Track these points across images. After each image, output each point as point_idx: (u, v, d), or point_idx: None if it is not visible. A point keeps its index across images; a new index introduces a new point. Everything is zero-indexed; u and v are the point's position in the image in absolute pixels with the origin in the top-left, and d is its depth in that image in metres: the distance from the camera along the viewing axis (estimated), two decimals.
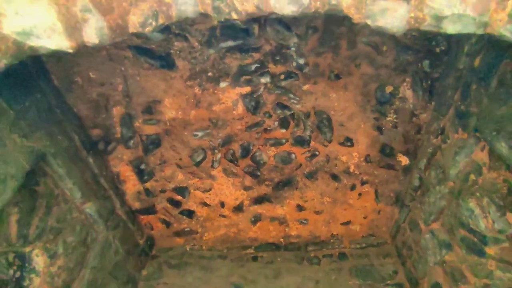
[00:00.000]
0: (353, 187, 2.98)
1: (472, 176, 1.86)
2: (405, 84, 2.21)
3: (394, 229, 3.04)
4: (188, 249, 3.36)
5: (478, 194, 1.84)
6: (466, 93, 1.80)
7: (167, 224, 3.36)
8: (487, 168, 1.74)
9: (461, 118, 1.88)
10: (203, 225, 3.38)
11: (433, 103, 2.19)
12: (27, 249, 1.98)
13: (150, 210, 3.19)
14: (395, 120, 2.39)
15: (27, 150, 1.78)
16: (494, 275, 1.85)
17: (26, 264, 2.02)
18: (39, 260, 2.03)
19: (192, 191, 3.10)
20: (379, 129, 2.48)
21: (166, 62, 2.18)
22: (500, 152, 1.54)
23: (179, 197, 3.13)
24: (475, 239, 1.92)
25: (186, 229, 3.42)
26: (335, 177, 2.95)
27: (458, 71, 1.84)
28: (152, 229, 3.37)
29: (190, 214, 3.29)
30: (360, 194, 3.01)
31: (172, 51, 2.13)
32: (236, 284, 3.04)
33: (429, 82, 2.11)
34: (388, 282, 2.88)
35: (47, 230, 2.04)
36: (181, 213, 3.27)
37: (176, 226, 3.39)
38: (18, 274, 2.02)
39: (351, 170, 2.85)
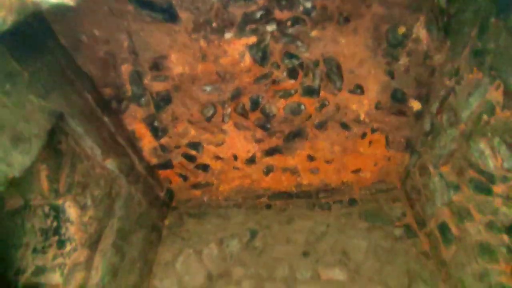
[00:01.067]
0: (363, 135, 2.99)
1: (485, 117, 1.83)
2: (419, 23, 2.09)
3: (404, 175, 3.10)
4: (205, 200, 3.57)
5: (489, 134, 1.83)
6: (483, 28, 1.70)
7: (184, 178, 3.54)
8: (501, 107, 1.71)
9: (476, 56, 1.80)
10: (218, 177, 3.54)
11: (448, 42, 2.09)
12: (60, 202, 2.17)
13: (167, 165, 3.35)
14: (407, 63, 2.31)
15: (45, 110, 1.87)
16: (499, 211, 1.91)
17: (61, 215, 2.23)
18: (71, 211, 2.23)
19: (205, 145, 3.21)
20: (391, 74, 2.41)
21: (169, 15, 2.13)
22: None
23: (193, 152, 3.25)
24: (483, 179, 1.96)
25: (202, 182, 3.60)
26: (345, 126, 2.96)
27: (476, 4, 1.72)
28: (170, 183, 3.57)
29: (205, 167, 3.43)
30: (370, 142, 3.03)
31: (173, 1, 2.06)
32: (251, 229, 3.26)
33: (445, 19, 1.99)
34: (397, 223, 3.03)
35: (75, 184, 2.20)
36: (197, 167, 3.42)
37: (192, 179, 3.57)
38: (55, 223, 2.25)
39: (362, 118, 2.84)
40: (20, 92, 1.69)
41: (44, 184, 2.00)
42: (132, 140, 2.92)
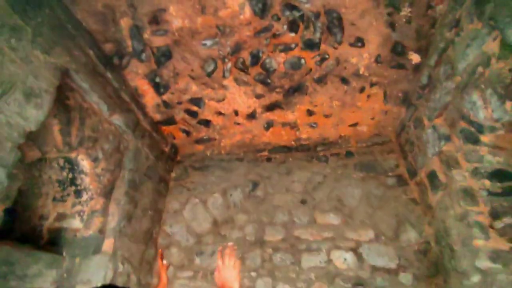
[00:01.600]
0: (362, 90, 3.04)
1: (480, 68, 1.88)
2: None
3: (399, 128, 3.21)
4: (208, 154, 3.73)
5: (482, 86, 1.90)
6: None
7: (187, 133, 3.66)
8: (496, 58, 1.76)
9: (478, 6, 1.80)
10: (220, 132, 3.66)
11: None
12: (73, 155, 2.31)
13: (170, 121, 3.44)
14: (409, 14, 2.28)
15: (51, 66, 1.91)
16: (484, 159, 2.05)
17: (75, 167, 2.39)
18: (84, 163, 2.38)
19: (206, 101, 3.27)
20: (392, 25, 2.39)
21: None
22: (510, 39, 1.54)
23: (195, 108, 3.33)
24: (473, 129, 2.07)
25: (204, 137, 3.73)
26: (344, 80, 2.99)
27: None
28: (174, 138, 3.70)
29: (207, 123, 3.53)
30: (368, 96, 3.09)
31: None
32: (253, 180, 3.47)
33: None
34: (390, 174, 3.21)
35: (86, 138, 2.32)
36: (199, 122, 3.52)
37: (195, 135, 3.69)
38: (70, 175, 2.42)
39: (361, 72, 2.87)
40: (25, 47, 1.73)
41: (58, 138, 2.12)
42: (136, 97, 2.98)
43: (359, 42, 2.61)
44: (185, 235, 3.20)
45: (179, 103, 3.25)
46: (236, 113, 3.44)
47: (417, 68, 2.65)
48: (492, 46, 1.77)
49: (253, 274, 2.86)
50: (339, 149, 3.51)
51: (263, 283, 2.80)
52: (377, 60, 2.73)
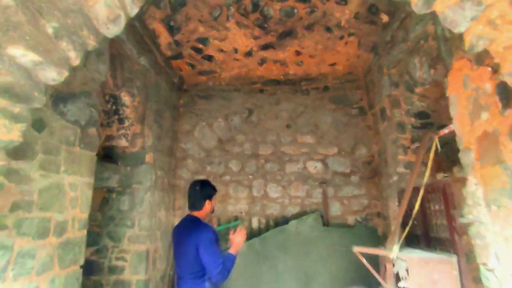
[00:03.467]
0: (341, 37, 3.72)
1: (422, 41, 2.66)
2: None
3: (367, 70, 4.03)
4: (210, 85, 4.44)
5: (421, 53, 2.71)
6: None
7: (192, 66, 4.27)
8: (431, 38, 2.54)
9: None
10: (221, 66, 4.30)
11: None
12: (118, 92, 3.00)
13: (178, 56, 4.00)
14: None
15: None
16: (414, 104, 3.02)
17: (118, 101, 3.10)
18: (126, 98, 3.09)
19: (211, 41, 3.81)
20: None
21: None
22: (437, 30, 2.31)
23: (200, 45, 3.88)
24: (411, 82, 2.97)
25: (207, 69, 4.36)
26: (328, 29, 3.62)
27: None
28: (181, 70, 4.30)
29: (210, 58, 4.13)
30: (346, 43, 3.79)
31: None
32: (249, 108, 4.32)
33: None
34: (354, 106, 4.18)
35: (126, 79, 2.97)
36: (203, 57, 4.10)
37: (199, 67, 4.31)
38: (114, 107, 3.14)
39: (342, 24, 3.50)
40: None
41: (110, 81, 2.77)
42: (153, 38, 3.48)
43: (343, 1, 3.19)
44: (197, 150, 4.19)
45: (188, 41, 3.78)
46: (235, 50, 4.03)
47: (385, 26, 3.33)
48: (430, 28, 2.52)
49: (251, 177, 4.02)
50: (319, 84, 4.34)
51: (258, 183, 3.99)
52: (356, 16, 3.35)
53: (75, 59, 1.49)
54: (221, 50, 4.02)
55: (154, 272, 3.31)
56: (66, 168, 1.98)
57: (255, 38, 3.84)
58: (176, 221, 3.96)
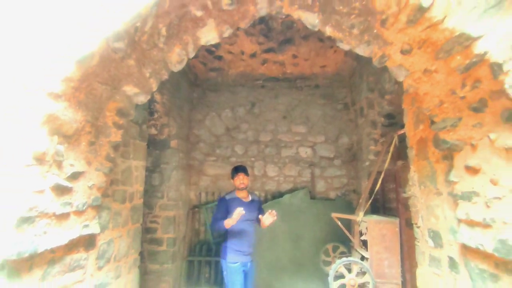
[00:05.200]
0: (331, 47, 4.50)
1: None
2: None
3: (351, 73, 4.86)
4: (219, 80, 5.18)
5: (389, 72, 3.55)
6: None
7: (204, 64, 4.99)
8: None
9: None
10: (229, 65, 5.03)
11: None
12: None
13: (194, 56, 4.70)
14: None
15: None
16: (384, 107, 3.91)
17: (151, 98, 3.86)
18: (157, 97, 3.84)
19: (222, 44, 4.53)
20: None
21: None
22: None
23: (213, 48, 4.60)
24: (383, 90, 3.82)
25: (217, 67, 5.09)
26: (321, 40, 4.39)
27: None
28: (194, 67, 5.02)
29: (220, 58, 4.85)
30: (335, 51, 4.58)
31: None
32: (251, 101, 5.12)
33: None
34: (340, 102, 5.04)
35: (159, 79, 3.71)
36: (214, 57, 4.82)
37: (210, 65, 5.03)
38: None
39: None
40: None
41: None
42: None
43: None
44: (208, 136, 5.01)
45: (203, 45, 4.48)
46: (242, 53, 4.77)
47: None
48: None
49: (253, 159, 4.90)
50: (311, 82, 5.15)
51: (258, 164, 4.89)
52: None
53: (155, 87, 2.29)
54: (230, 52, 4.74)
55: (178, 233, 4.25)
56: (133, 155, 2.81)
57: (260, 43, 4.57)
58: (192, 194, 4.86)
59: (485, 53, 1.53)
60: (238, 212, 2.64)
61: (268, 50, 4.71)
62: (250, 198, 3.05)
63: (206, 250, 4.54)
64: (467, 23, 1.54)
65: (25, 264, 1.55)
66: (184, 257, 4.46)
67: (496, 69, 1.53)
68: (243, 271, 2.84)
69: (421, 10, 1.62)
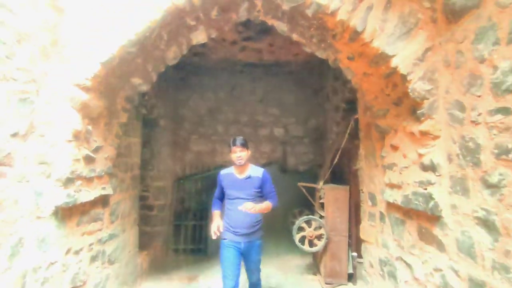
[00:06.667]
0: None
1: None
2: None
3: (320, 62, 5.49)
4: (202, 64, 5.63)
5: None
6: None
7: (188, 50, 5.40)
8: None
9: None
10: (211, 50, 5.47)
11: None
12: None
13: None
14: None
15: None
16: (345, 93, 4.60)
17: None
18: None
19: None
20: None
21: None
22: None
23: None
24: (345, 79, 4.50)
25: (200, 52, 5.52)
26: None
27: None
28: None
29: (203, 44, 5.26)
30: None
31: None
32: (232, 85, 5.66)
33: None
34: (310, 87, 5.69)
35: None
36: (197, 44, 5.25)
37: (193, 50, 5.44)
38: None
39: None
40: None
41: None
42: None
43: None
44: (191, 115, 5.53)
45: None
46: (223, 40, 5.23)
47: None
48: None
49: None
50: (285, 68, 5.73)
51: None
52: None
53: (155, 78, 2.81)
54: (212, 39, 5.18)
55: (167, 201, 4.87)
56: (132, 133, 3.34)
57: (239, 32, 5.05)
58: (177, 168, 5.45)
59: (397, 67, 2.20)
60: (214, 231, 2.53)
61: (247, 39, 5.19)
62: (246, 174, 2.71)
63: (191, 215, 5.22)
64: (386, 45, 2.20)
65: (68, 212, 2.13)
66: (171, 222, 5.11)
67: (403, 78, 2.21)
68: (237, 249, 2.65)
69: (357, 33, 2.25)
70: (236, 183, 2.70)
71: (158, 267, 4.21)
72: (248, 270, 2.85)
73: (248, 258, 2.75)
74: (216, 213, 2.72)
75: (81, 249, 2.31)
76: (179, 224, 5.16)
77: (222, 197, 2.85)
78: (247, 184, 2.70)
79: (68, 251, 2.14)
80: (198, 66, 5.68)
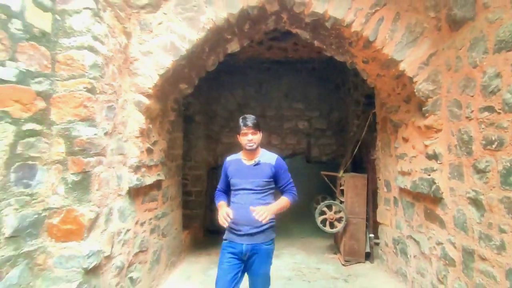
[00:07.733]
0: None
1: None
2: None
3: None
4: (232, 63, 6.13)
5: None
6: None
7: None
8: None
9: None
10: (240, 50, 5.93)
11: None
12: None
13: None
14: None
15: None
16: (364, 88, 4.92)
17: None
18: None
19: None
20: None
21: None
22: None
23: None
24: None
25: (230, 52, 6.01)
26: None
27: None
28: None
29: None
30: None
31: None
32: (259, 82, 6.11)
33: None
34: (332, 82, 6.02)
35: None
36: None
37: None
38: None
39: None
40: None
41: None
42: None
43: None
44: (223, 111, 6.07)
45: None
46: (251, 41, 5.68)
47: None
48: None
49: None
50: (309, 65, 6.09)
51: (265, 134, 6.00)
52: None
53: (196, 82, 3.35)
54: None
55: (202, 187, 5.49)
56: (176, 129, 3.92)
57: (266, 33, 5.47)
58: (210, 158, 6.05)
59: (404, 70, 2.56)
60: (223, 218, 1.98)
61: (273, 39, 5.61)
62: (256, 160, 2.15)
63: None
64: (395, 52, 2.55)
65: (136, 192, 2.73)
66: (207, 206, 5.75)
67: (410, 80, 2.57)
68: (237, 258, 2.08)
69: (369, 41, 2.62)
70: (242, 170, 2.15)
71: (197, 244, 4.85)
72: (251, 286, 2.16)
73: (252, 268, 2.09)
74: (221, 204, 2.20)
75: (144, 222, 2.93)
76: (213, 209, 5.77)
77: (227, 190, 2.30)
78: (256, 172, 2.12)
79: (137, 223, 2.75)
80: (228, 65, 6.17)
